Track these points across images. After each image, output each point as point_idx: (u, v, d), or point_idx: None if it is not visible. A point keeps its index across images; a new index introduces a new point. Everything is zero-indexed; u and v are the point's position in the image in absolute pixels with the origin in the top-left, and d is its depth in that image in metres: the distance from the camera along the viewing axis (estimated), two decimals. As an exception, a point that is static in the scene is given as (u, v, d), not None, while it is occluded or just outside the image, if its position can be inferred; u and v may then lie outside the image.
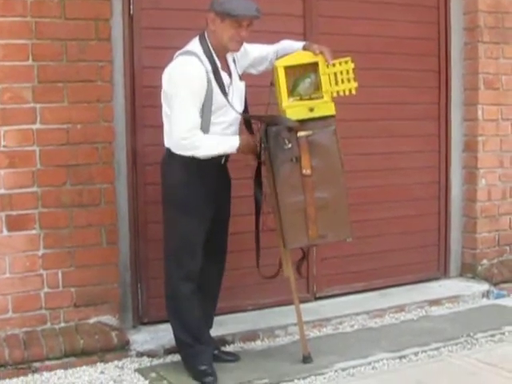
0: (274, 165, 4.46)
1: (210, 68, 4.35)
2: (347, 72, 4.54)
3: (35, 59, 4.75)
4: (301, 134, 4.46)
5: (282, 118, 4.49)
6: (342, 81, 4.55)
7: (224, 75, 4.44)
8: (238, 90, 4.53)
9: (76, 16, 4.82)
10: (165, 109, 4.42)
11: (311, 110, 4.50)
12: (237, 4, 4.27)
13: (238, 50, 4.50)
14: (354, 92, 4.56)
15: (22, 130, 4.75)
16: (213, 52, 4.40)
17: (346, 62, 4.54)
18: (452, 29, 6.49)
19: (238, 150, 4.41)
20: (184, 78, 4.27)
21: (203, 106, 4.32)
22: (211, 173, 4.43)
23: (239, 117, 4.56)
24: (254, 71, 4.80)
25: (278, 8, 5.63)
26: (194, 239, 4.50)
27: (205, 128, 4.35)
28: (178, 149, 4.34)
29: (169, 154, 4.43)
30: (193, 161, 4.34)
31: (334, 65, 4.53)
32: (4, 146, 4.71)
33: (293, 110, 4.50)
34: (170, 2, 5.27)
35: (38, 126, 4.79)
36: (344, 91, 4.56)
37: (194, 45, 4.41)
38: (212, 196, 4.49)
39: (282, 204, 4.50)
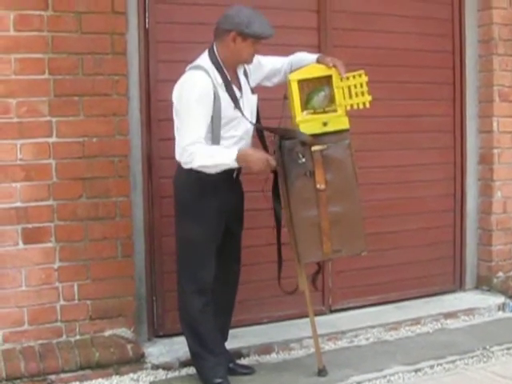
0: (288, 179, 4.46)
1: (219, 81, 4.38)
2: (361, 85, 4.53)
3: (51, 73, 4.78)
4: (315, 148, 4.45)
5: (297, 131, 4.48)
6: (356, 94, 4.54)
7: (234, 88, 4.45)
8: (248, 103, 4.54)
9: (92, 30, 4.86)
10: (176, 123, 4.44)
11: (325, 124, 4.49)
12: (260, 25, 4.31)
13: (252, 62, 4.53)
14: (367, 106, 4.54)
15: (38, 143, 4.78)
16: (222, 65, 4.42)
17: (360, 76, 4.53)
18: (467, 41, 6.48)
19: (238, 161, 4.29)
20: (191, 92, 4.28)
21: (212, 120, 4.33)
22: (223, 187, 4.42)
23: (250, 130, 4.57)
24: (268, 83, 4.82)
25: (294, 21, 5.66)
26: (206, 253, 4.50)
27: (215, 142, 4.36)
28: (181, 162, 4.35)
29: (180, 168, 4.45)
30: (204, 175, 4.33)
31: (347, 78, 4.52)
32: (20, 159, 4.74)
33: (306, 124, 4.49)
34: (184, 15, 5.31)
35: (54, 139, 4.81)
36: (358, 105, 4.55)
37: (203, 59, 4.44)
38: (224, 210, 4.50)
39: (296, 218, 4.49)
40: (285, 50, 4.91)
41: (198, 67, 4.39)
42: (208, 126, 4.33)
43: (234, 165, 4.31)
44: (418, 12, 6.24)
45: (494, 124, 6.45)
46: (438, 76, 6.38)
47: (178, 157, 4.39)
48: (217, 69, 4.39)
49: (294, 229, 4.51)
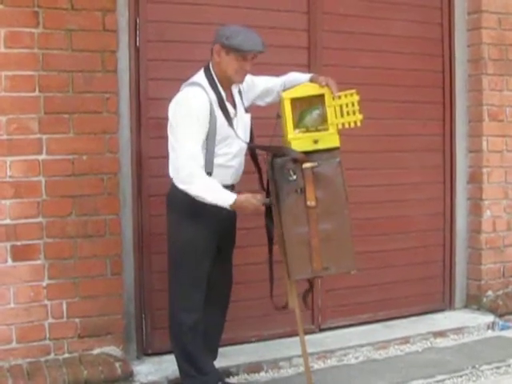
0: (279, 196, 4.45)
1: (214, 99, 4.37)
2: (352, 104, 4.52)
3: (42, 90, 4.78)
4: (306, 165, 4.45)
5: (288, 149, 4.48)
6: (348, 113, 4.53)
7: (229, 106, 4.46)
8: (242, 122, 4.54)
9: (83, 48, 4.86)
10: (170, 140, 4.41)
11: (316, 141, 4.49)
12: (243, 39, 4.29)
13: (241, 81, 4.53)
14: (359, 124, 4.53)
15: (27, 161, 4.77)
16: (217, 83, 4.42)
17: (352, 95, 4.52)
18: (456, 61, 6.52)
19: (230, 207, 4.30)
20: (188, 108, 4.28)
21: (207, 137, 4.33)
22: (217, 206, 4.38)
23: (244, 148, 4.57)
24: (261, 103, 4.83)
25: (284, 40, 5.68)
26: (198, 271, 4.49)
27: (209, 159, 4.34)
28: (175, 179, 4.34)
29: (175, 186, 4.42)
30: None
31: (339, 97, 4.53)
32: (10, 177, 4.73)
33: (298, 141, 4.49)
34: (175, 34, 5.31)
35: (43, 156, 4.81)
36: (349, 123, 4.54)
37: (200, 76, 4.45)
38: (217, 229, 4.49)
39: (287, 235, 4.47)
40: (275, 68, 4.93)
41: (195, 84, 4.38)
42: (203, 142, 4.33)
43: (227, 207, 4.30)
44: (407, 32, 6.28)
45: (484, 143, 6.48)
46: (428, 95, 6.41)
47: (172, 173, 4.37)
48: (211, 86, 4.39)
49: (284, 245, 4.49)
